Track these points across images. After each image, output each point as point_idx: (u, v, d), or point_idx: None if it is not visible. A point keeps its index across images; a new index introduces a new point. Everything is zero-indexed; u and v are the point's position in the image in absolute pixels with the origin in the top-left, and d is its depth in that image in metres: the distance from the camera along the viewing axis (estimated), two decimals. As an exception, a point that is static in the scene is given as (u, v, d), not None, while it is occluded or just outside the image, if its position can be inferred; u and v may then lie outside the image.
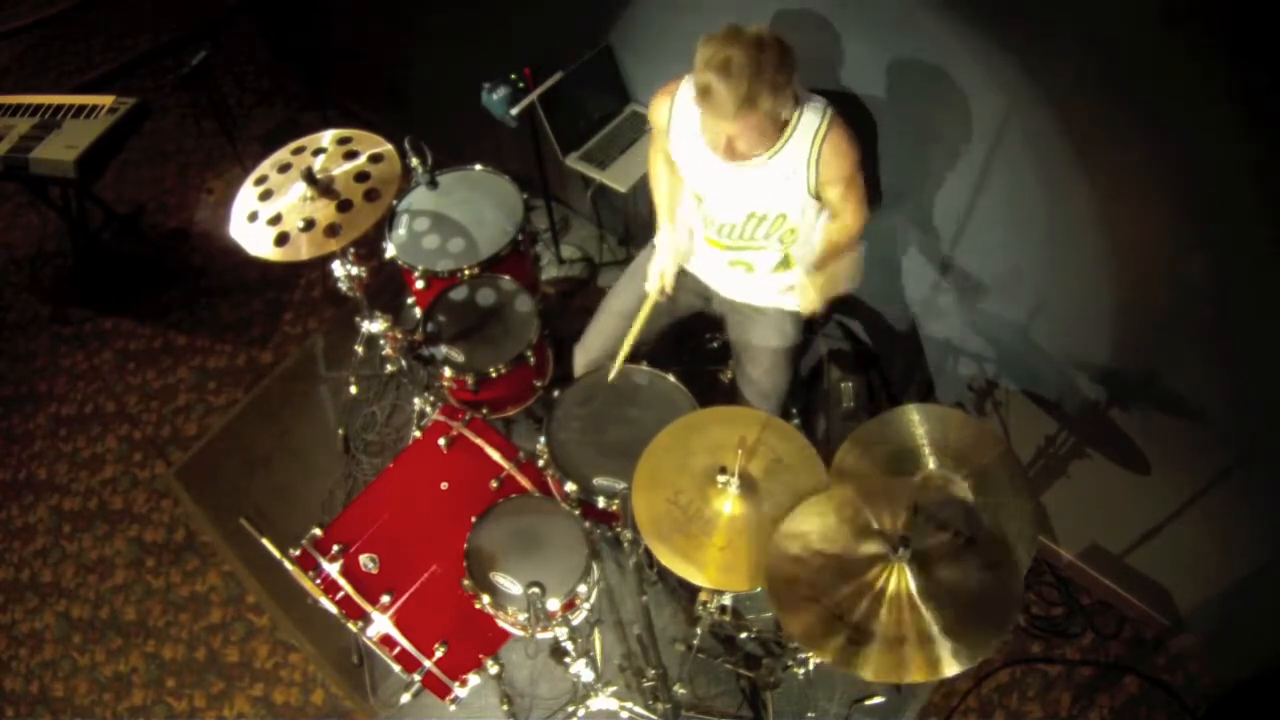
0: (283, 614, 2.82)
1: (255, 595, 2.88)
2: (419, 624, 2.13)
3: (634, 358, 2.35)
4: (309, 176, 2.23)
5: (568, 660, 2.16)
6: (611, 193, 2.85)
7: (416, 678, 2.16)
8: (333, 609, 2.08)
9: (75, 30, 4.90)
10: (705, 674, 2.58)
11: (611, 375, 2.31)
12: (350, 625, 2.08)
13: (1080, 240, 1.97)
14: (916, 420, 1.93)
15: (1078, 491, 2.46)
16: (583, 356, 2.48)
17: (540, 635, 2.04)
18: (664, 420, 1.97)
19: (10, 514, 3.19)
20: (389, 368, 3.05)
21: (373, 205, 2.25)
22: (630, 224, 3.32)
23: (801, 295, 2.15)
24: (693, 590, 2.49)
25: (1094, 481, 2.40)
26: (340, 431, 3.14)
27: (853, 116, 2.04)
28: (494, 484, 2.28)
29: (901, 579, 1.55)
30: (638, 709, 2.42)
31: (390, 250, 2.69)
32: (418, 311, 2.80)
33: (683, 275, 2.36)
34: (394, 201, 2.74)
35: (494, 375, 2.46)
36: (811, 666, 2.40)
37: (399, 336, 2.48)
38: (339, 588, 2.10)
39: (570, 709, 2.43)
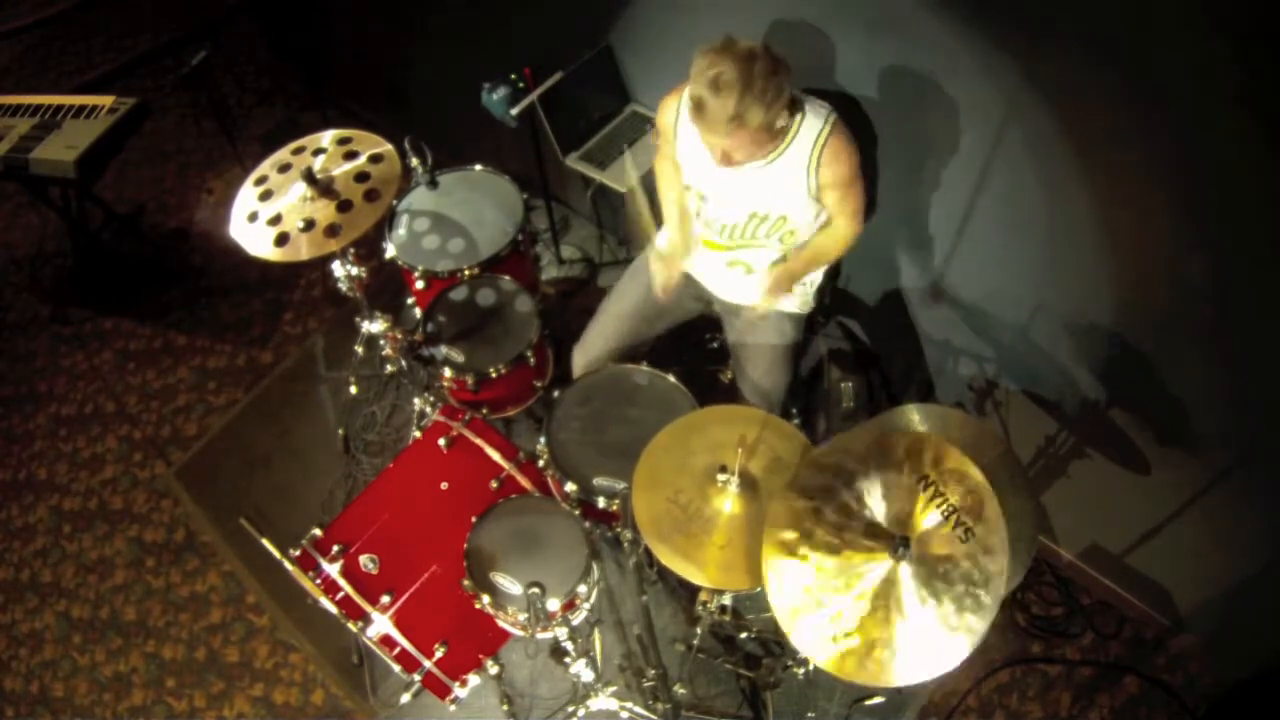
0: (283, 614, 2.82)
1: (255, 595, 2.88)
2: (419, 624, 2.13)
3: (634, 358, 2.34)
4: (309, 177, 2.23)
5: (568, 660, 2.16)
6: (611, 193, 2.86)
7: (416, 678, 2.16)
8: (333, 609, 2.08)
9: (75, 30, 4.90)
10: (705, 674, 2.58)
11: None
12: (350, 625, 2.08)
13: (1080, 240, 1.97)
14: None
15: (1078, 491, 2.46)
16: (582, 357, 2.48)
17: (540, 635, 2.04)
18: (664, 420, 1.97)
19: (10, 514, 3.19)
20: (389, 368, 3.06)
21: (373, 205, 2.25)
22: (630, 224, 3.31)
23: (758, 285, 2.21)
24: (693, 590, 2.49)
25: (1094, 481, 2.40)
26: (340, 431, 3.14)
27: (852, 119, 2.04)
28: (494, 484, 2.28)
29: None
30: (638, 709, 2.42)
31: (390, 250, 2.68)
32: (418, 312, 2.80)
33: (683, 280, 2.36)
34: (394, 201, 2.74)
35: (494, 375, 2.46)
36: (811, 666, 2.40)
37: (399, 336, 2.47)
38: (339, 588, 2.10)
39: (570, 709, 2.43)
